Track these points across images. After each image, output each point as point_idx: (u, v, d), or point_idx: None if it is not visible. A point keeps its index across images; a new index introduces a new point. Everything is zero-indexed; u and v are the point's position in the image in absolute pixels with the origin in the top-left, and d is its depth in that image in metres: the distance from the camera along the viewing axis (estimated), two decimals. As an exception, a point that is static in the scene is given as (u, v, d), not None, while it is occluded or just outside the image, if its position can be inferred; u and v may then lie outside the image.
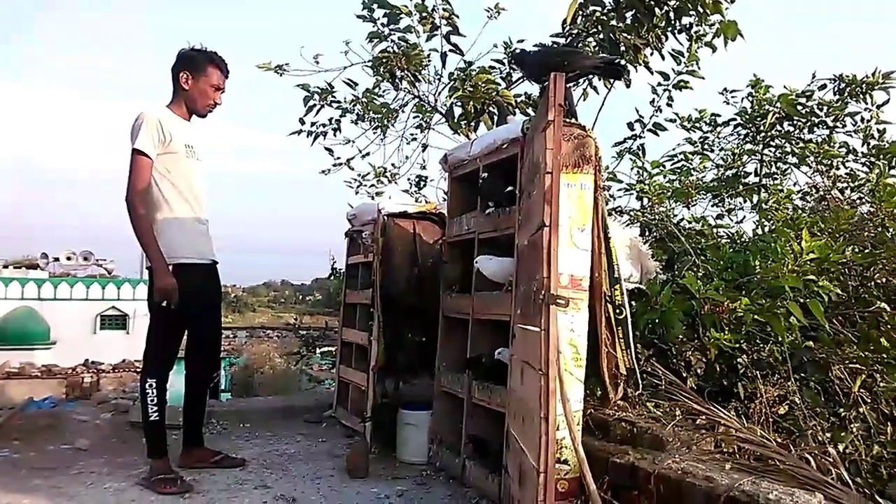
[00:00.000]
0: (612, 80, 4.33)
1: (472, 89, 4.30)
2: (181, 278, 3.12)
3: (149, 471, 3.19)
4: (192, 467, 3.38)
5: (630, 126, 4.81)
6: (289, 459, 3.65)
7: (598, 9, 4.01)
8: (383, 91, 5.00)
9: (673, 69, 4.43)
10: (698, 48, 4.26)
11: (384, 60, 4.58)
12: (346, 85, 4.91)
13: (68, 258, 27.80)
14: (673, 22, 3.98)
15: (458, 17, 4.43)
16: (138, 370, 22.90)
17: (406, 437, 3.62)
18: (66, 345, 22.38)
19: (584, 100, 4.42)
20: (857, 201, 4.21)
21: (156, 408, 3.18)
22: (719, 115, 4.81)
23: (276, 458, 3.66)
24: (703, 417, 2.68)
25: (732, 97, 4.69)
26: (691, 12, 3.91)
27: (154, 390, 3.19)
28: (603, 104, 4.46)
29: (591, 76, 4.30)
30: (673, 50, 4.26)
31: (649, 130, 4.77)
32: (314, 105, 4.97)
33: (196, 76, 3.27)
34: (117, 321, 25.06)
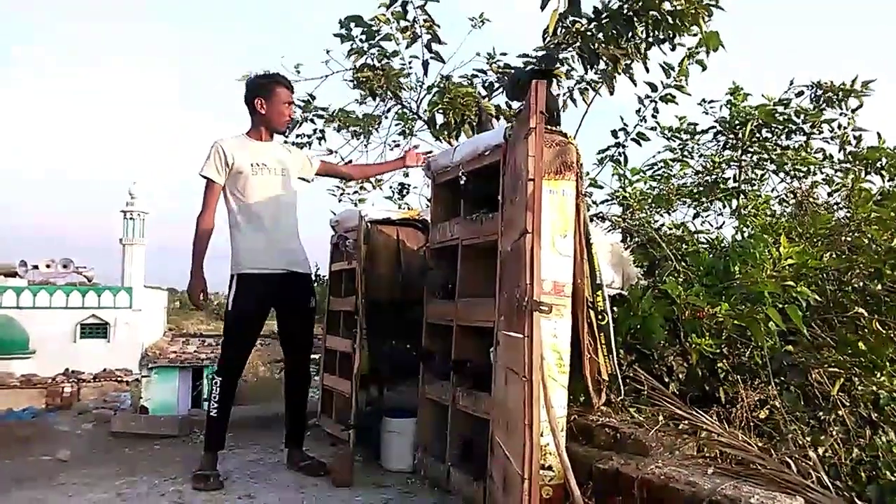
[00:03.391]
0: (592, 90, 4.39)
1: (449, 100, 4.34)
2: (244, 287, 3.42)
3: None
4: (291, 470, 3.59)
5: (614, 134, 4.85)
6: (272, 469, 3.62)
7: (579, 20, 4.05)
8: (364, 98, 5.01)
9: (662, 81, 4.49)
10: (690, 64, 4.31)
11: (364, 81, 4.62)
12: (325, 97, 4.94)
13: (47, 266, 27.48)
14: (652, 33, 4.03)
15: (438, 26, 4.46)
16: (119, 379, 22.68)
17: (390, 444, 3.62)
18: (45, 354, 22.12)
19: (564, 111, 4.46)
20: (834, 206, 4.28)
21: (216, 405, 3.40)
22: (697, 124, 4.88)
23: (260, 468, 3.64)
24: (686, 422, 2.71)
25: (711, 107, 4.76)
26: (670, 24, 3.95)
27: (218, 388, 3.42)
28: (586, 112, 4.51)
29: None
30: (664, 63, 4.30)
31: (633, 140, 4.81)
32: (297, 120, 4.99)
33: (268, 98, 3.52)
34: (98, 330, 24.78)
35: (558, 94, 4.38)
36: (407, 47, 4.61)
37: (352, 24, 4.46)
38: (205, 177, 3.44)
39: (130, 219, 26.28)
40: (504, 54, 4.71)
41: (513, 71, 4.34)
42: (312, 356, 3.90)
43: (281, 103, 3.53)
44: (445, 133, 4.56)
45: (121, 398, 17.94)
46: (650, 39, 4.09)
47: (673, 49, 4.24)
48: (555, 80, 4.06)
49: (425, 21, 4.43)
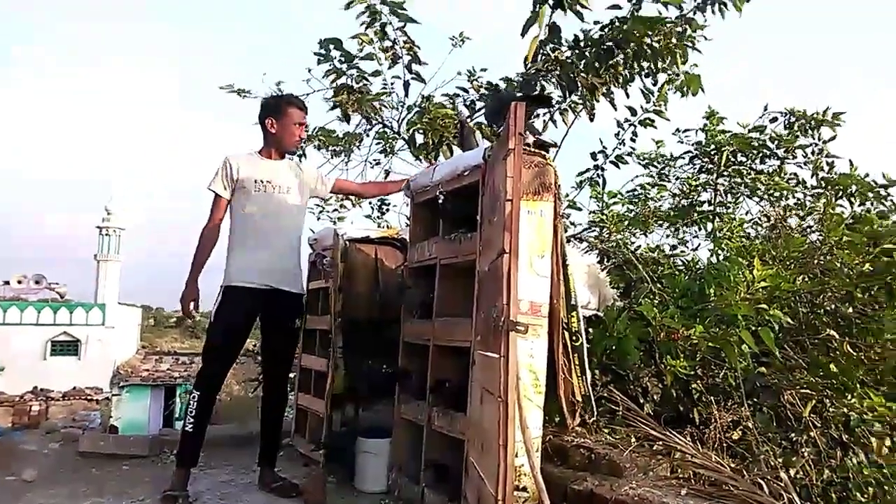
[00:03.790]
0: (572, 112, 4.46)
1: (429, 120, 4.37)
2: (229, 300, 3.42)
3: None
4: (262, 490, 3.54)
5: (593, 156, 4.91)
6: (244, 490, 3.56)
7: (558, 47, 4.11)
8: (342, 119, 5.02)
9: (642, 106, 4.56)
10: (669, 91, 4.39)
11: (338, 104, 4.64)
12: (310, 113, 4.94)
13: (19, 282, 27.02)
14: (631, 64, 4.10)
15: (418, 47, 4.49)
16: (89, 398, 22.24)
17: (364, 465, 3.57)
18: (14, 371, 21.69)
19: (545, 130, 4.50)
20: (807, 230, 4.35)
21: (192, 420, 3.33)
22: (670, 155, 4.98)
23: (232, 489, 3.58)
24: (660, 443, 2.72)
25: (686, 136, 4.84)
26: (649, 55, 4.04)
27: (195, 402, 3.36)
28: (566, 135, 4.55)
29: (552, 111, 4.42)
30: (644, 87, 4.38)
31: (611, 163, 4.87)
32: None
33: (279, 118, 3.56)
34: (69, 347, 24.37)
35: (538, 115, 4.43)
36: (389, 67, 4.63)
37: (331, 46, 4.49)
38: (212, 190, 3.50)
39: (106, 235, 25.99)
40: (484, 69, 4.76)
41: (495, 92, 4.37)
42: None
43: (291, 124, 3.56)
44: (424, 153, 4.58)
45: (90, 417, 17.60)
46: (633, 70, 4.17)
47: (655, 84, 4.35)
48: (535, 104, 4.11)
49: (405, 42, 4.46)
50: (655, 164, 5.08)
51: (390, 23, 4.36)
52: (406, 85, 4.65)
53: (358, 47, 4.52)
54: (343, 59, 4.56)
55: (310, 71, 4.69)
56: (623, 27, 3.99)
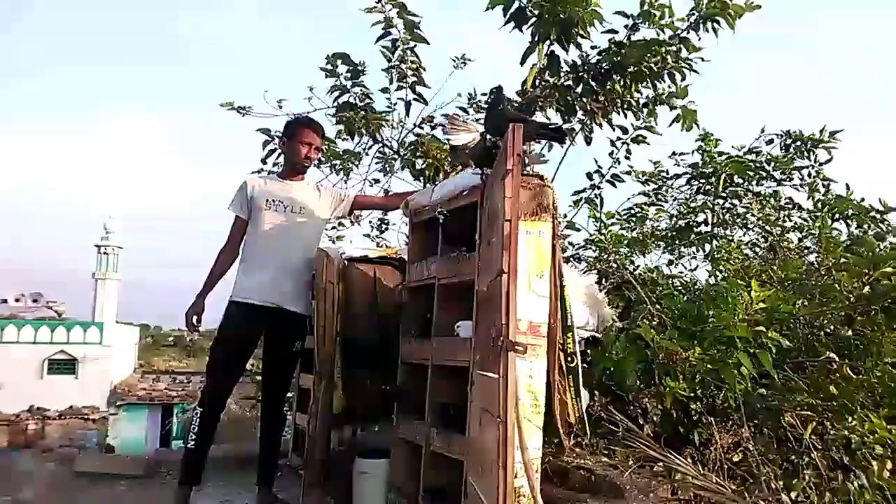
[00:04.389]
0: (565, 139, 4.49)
1: (423, 153, 4.41)
2: (232, 315, 3.49)
3: None
4: None
5: (589, 176, 4.94)
6: (241, 511, 3.54)
7: (557, 74, 4.15)
8: (344, 138, 5.04)
9: (632, 124, 4.60)
10: (656, 105, 4.43)
11: (345, 121, 4.67)
12: None
13: (17, 299, 26.97)
14: (629, 87, 4.14)
15: (424, 69, 4.53)
16: (86, 417, 22.13)
17: (362, 486, 3.54)
18: (10, 390, 21.51)
19: (549, 150, 4.53)
20: (805, 251, 4.36)
21: (194, 437, 3.38)
22: (667, 170, 5.01)
23: (229, 510, 3.56)
24: (661, 464, 2.71)
25: (682, 159, 4.88)
26: (645, 77, 4.08)
27: (197, 419, 3.40)
28: (564, 157, 4.58)
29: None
30: (634, 105, 4.42)
31: (607, 181, 4.90)
32: (275, 149, 4.98)
33: (289, 138, 3.73)
34: (66, 366, 24.19)
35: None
36: (398, 89, 4.67)
37: (338, 62, 4.52)
38: (232, 211, 3.63)
39: (104, 253, 25.96)
40: (485, 94, 4.79)
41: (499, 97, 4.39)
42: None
43: (298, 143, 3.66)
44: (423, 179, 4.62)
45: (87, 437, 17.49)
46: (631, 96, 4.21)
47: (647, 106, 4.39)
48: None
49: (412, 63, 4.50)
50: (653, 180, 5.09)
51: (402, 41, 4.39)
52: (408, 105, 4.69)
53: (360, 68, 4.57)
54: (349, 74, 4.59)
55: (311, 89, 4.73)
56: (621, 51, 4.03)
